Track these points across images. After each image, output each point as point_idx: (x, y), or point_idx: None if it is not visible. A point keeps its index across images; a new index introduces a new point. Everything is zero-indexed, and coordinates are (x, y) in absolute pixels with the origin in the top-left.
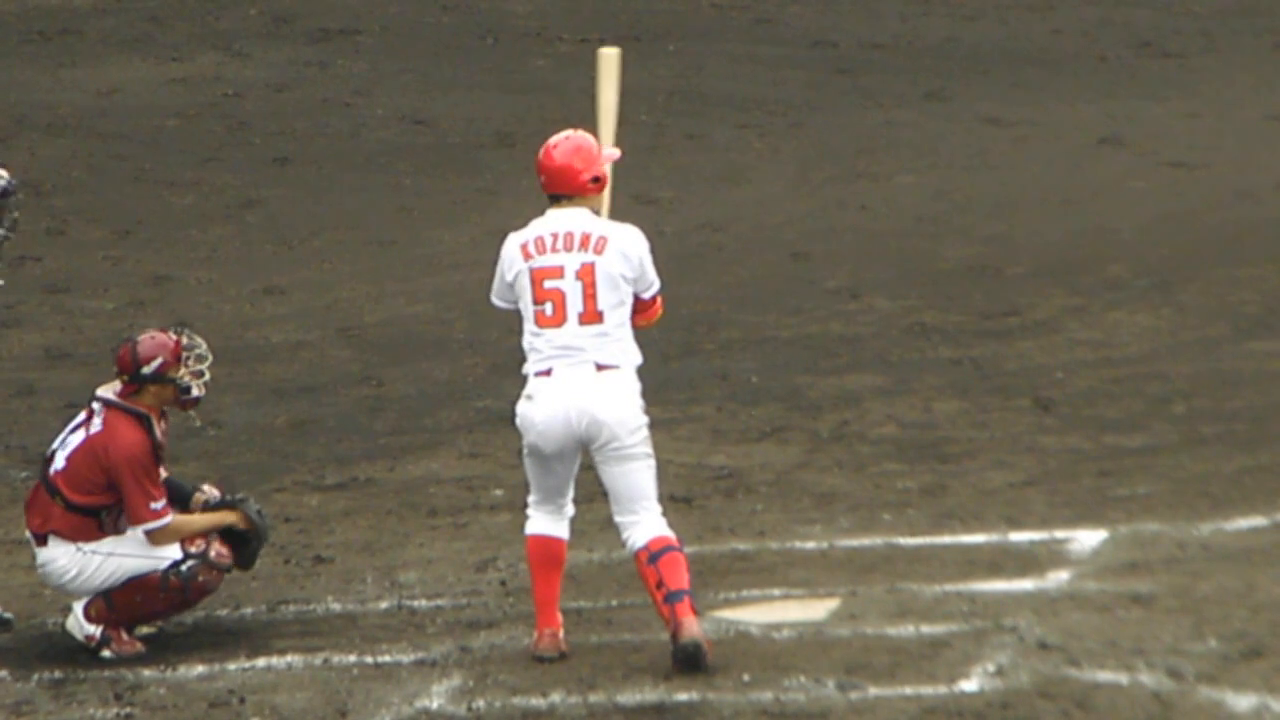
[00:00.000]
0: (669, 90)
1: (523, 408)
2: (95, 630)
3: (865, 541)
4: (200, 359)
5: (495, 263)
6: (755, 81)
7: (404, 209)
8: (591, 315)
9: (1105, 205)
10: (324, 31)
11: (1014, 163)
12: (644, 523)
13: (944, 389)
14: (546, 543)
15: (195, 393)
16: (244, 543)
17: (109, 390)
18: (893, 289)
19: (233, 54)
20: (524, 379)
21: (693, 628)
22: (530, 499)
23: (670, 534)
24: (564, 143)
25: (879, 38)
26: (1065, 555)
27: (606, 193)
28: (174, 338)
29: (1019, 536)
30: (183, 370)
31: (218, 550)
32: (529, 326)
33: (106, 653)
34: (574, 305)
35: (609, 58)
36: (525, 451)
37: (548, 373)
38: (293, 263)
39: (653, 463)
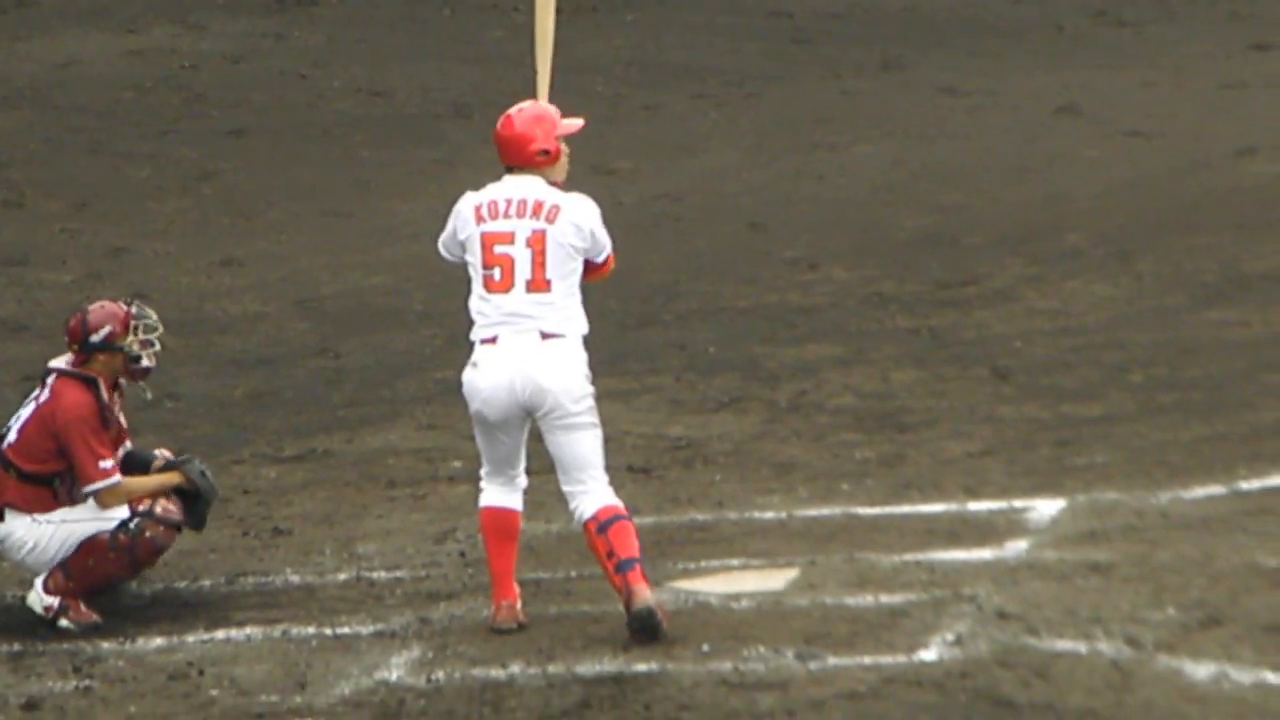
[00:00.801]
0: (626, 60)
1: (468, 375)
2: (53, 601)
3: (824, 511)
4: (150, 329)
5: (449, 215)
6: (712, 51)
7: (361, 180)
8: (540, 283)
9: (1062, 174)
10: (280, 3)
11: (971, 132)
12: (592, 492)
13: (902, 359)
14: (500, 514)
15: (145, 363)
16: (193, 502)
17: (60, 361)
18: (850, 259)
19: (189, 26)
20: (472, 346)
21: (645, 594)
22: (482, 471)
23: (618, 503)
24: (522, 112)
25: (835, 7)
26: (1024, 524)
27: (563, 163)
28: (124, 308)
29: (977, 506)
30: (130, 338)
31: (164, 506)
32: (477, 290)
33: (64, 622)
34: (522, 272)
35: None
36: (473, 420)
37: (493, 340)
38: (250, 235)
39: (599, 432)
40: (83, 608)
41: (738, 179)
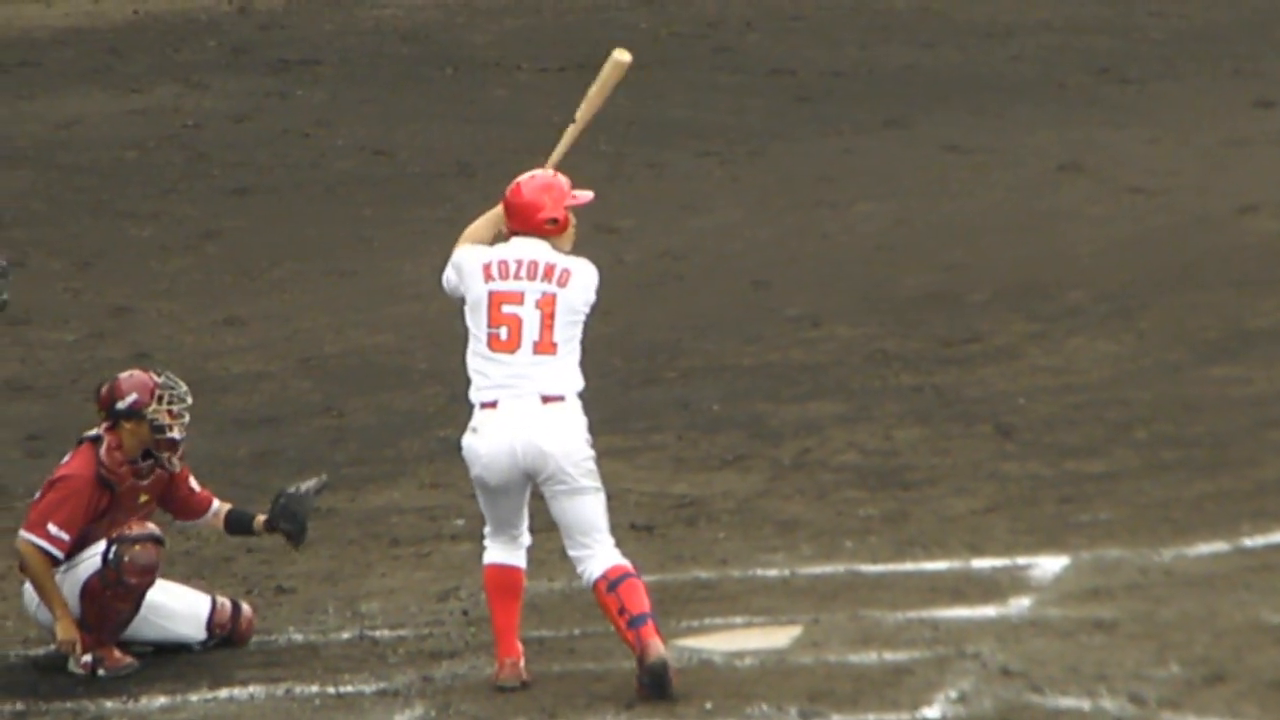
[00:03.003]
0: (629, 119)
1: (468, 440)
2: (87, 657)
3: (827, 569)
4: (178, 399)
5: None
6: (715, 109)
7: (364, 239)
8: (547, 345)
9: (1065, 231)
10: (283, 62)
11: (974, 190)
12: (598, 555)
13: (905, 416)
14: (503, 571)
15: (172, 434)
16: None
17: (95, 430)
18: (853, 316)
19: (192, 85)
20: (470, 407)
21: (659, 649)
22: (486, 530)
23: (626, 562)
24: (533, 180)
25: (838, 65)
26: (1027, 581)
27: (570, 232)
28: (153, 378)
29: (981, 563)
30: (155, 407)
31: (135, 528)
32: (478, 348)
33: (102, 672)
34: (530, 334)
35: (619, 65)
36: (474, 483)
37: (493, 404)
38: (253, 293)
39: (602, 495)
40: (116, 654)
41: (741, 237)
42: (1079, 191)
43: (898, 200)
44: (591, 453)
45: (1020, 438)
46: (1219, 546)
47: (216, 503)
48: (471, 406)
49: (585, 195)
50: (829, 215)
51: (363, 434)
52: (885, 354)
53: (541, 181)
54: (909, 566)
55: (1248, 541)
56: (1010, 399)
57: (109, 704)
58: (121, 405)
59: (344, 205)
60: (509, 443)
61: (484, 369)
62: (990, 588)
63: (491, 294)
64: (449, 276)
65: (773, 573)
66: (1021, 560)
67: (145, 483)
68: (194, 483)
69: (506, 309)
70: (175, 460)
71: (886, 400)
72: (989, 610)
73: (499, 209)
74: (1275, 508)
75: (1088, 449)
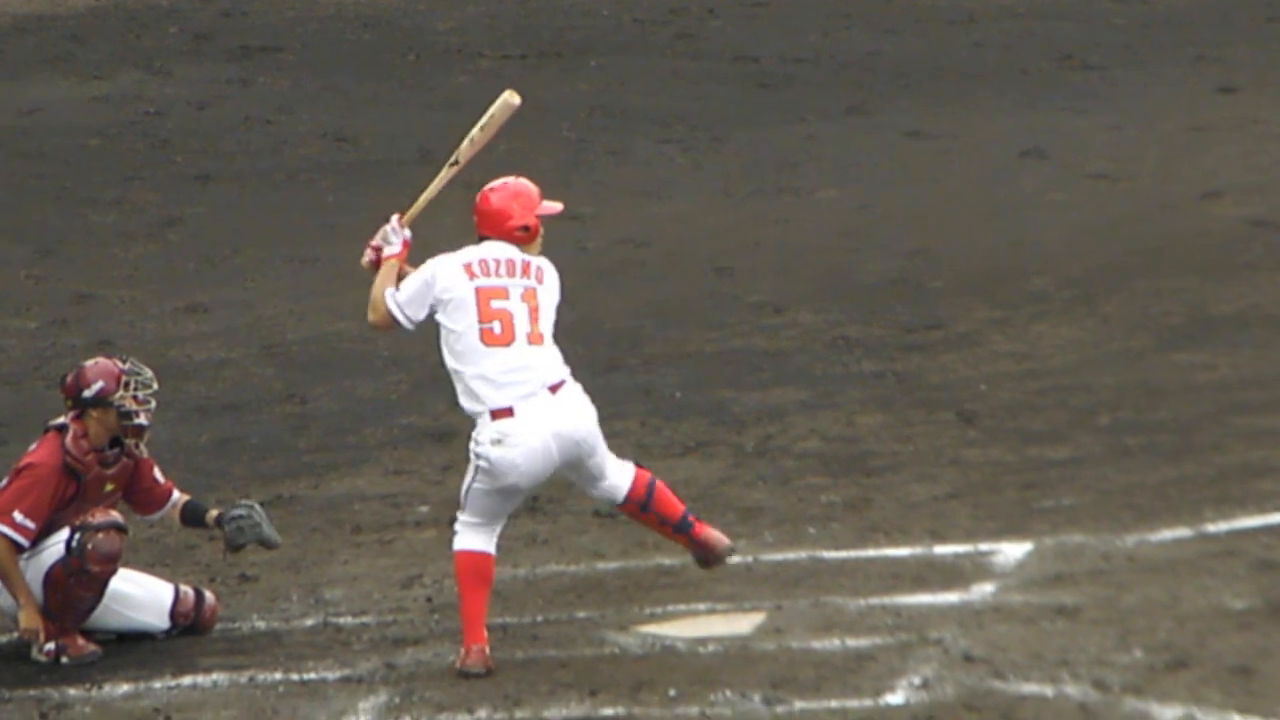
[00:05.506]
0: (590, 105)
1: (497, 453)
2: (50, 645)
3: (790, 555)
4: (143, 385)
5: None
6: (677, 96)
7: (326, 226)
8: (536, 336)
9: (1028, 218)
10: (245, 49)
11: (936, 176)
12: (614, 480)
13: (867, 402)
14: (478, 559)
15: (139, 420)
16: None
17: (61, 418)
18: (815, 303)
19: (154, 72)
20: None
21: (719, 539)
22: (465, 517)
23: (634, 472)
24: (506, 187)
25: (800, 52)
26: (990, 567)
27: (538, 241)
28: (119, 365)
29: (943, 549)
30: (122, 393)
31: (98, 516)
32: (468, 345)
33: (65, 659)
34: (521, 326)
35: (508, 106)
36: (489, 488)
37: (508, 411)
38: (215, 280)
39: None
40: (79, 641)
41: (703, 224)
42: (1042, 178)
43: (860, 187)
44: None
45: (983, 424)
46: (1182, 532)
47: (176, 493)
48: (475, 414)
49: (555, 206)
50: (791, 202)
51: (325, 421)
52: (847, 340)
53: (511, 189)
54: (871, 553)
55: (1210, 527)
56: (973, 385)
57: (72, 692)
58: (88, 393)
59: (306, 192)
60: (543, 445)
61: (482, 368)
62: (953, 574)
63: (478, 290)
64: (407, 295)
65: (735, 559)
66: (984, 546)
67: (111, 471)
68: (158, 473)
69: (496, 304)
70: (142, 446)
71: (849, 386)
72: (951, 596)
73: (386, 269)
74: (1238, 493)
75: (1050, 435)
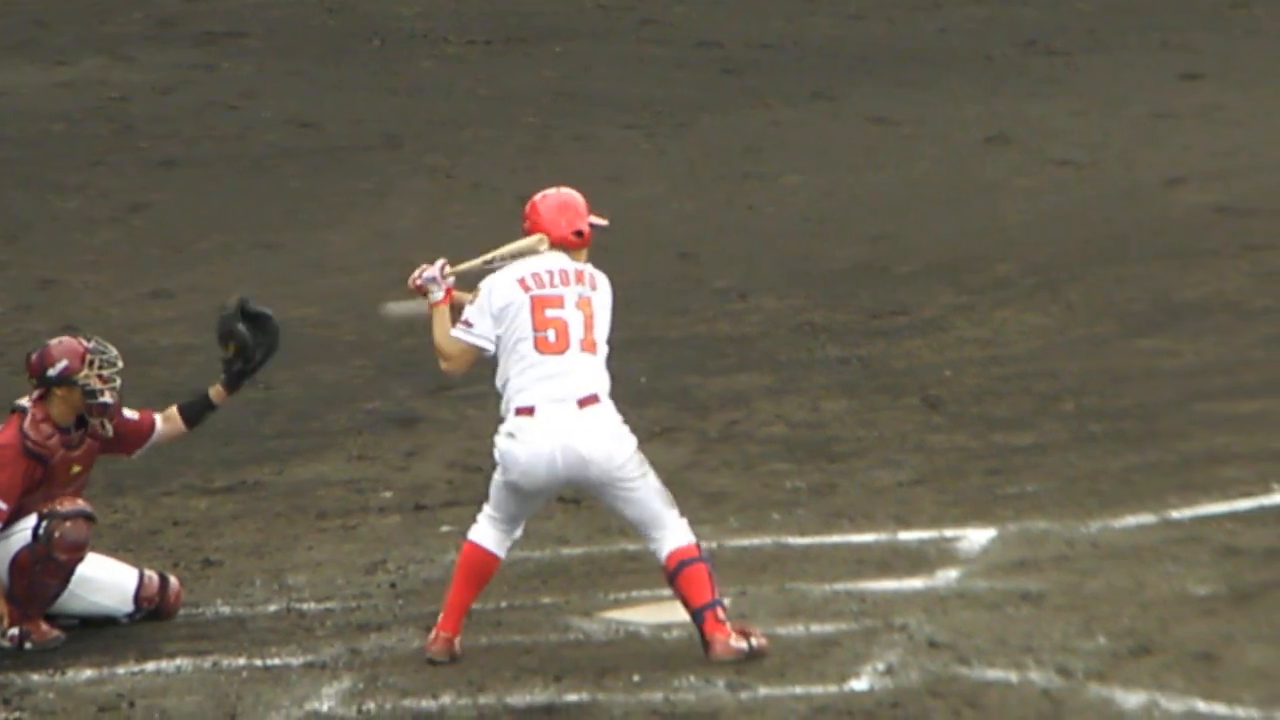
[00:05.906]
0: (555, 91)
1: (505, 445)
2: (14, 630)
3: (755, 541)
4: (108, 364)
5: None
6: (642, 82)
7: (291, 211)
8: (590, 344)
9: (992, 204)
10: (209, 34)
11: (901, 162)
12: (665, 541)
13: (832, 388)
14: (485, 556)
15: (103, 399)
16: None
17: (26, 399)
18: (780, 289)
19: (118, 57)
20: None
21: (720, 645)
22: (488, 510)
23: (689, 542)
24: (555, 194)
25: (765, 38)
26: (954, 554)
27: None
28: (83, 344)
29: (908, 535)
30: (86, 372)
31: (66, 504)
32: (522, 355)
33: (29, 645)
34: (576, 333)
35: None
36: (502, 483)
37: (529, 410)
38: (180, 266)
39: (653, 480)
40: (43, 627)
41: (668, 209)
42: (1006, 164)
43: (825, 172)
44: (631, 448)
45: (947, 410)
46: (1146, 519)
47: (159, 416)
48: (504, 413)
49: (601, 221)
50: (756, 187)
51: (289, 406)
52: (812, 326)
53: (564, 196)
54: (836, 539)
55: (1174, 514)
56: (937, 371)
57: (36, 677)
58: (52, 372)
59: (271, 177)
60: (549, 450)
61: (524, 374)
62: (917, 560)
63: (534, 299)
64: (473, 319)
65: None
66: (949, 532)
67: (77, 453)
68: (128, 411)
69: (550, 313)
70: (108, 424)
71: (813, 372)
72: (916, 582)
73: (438, 316)
74: (1202, 480)
75: (1015, 421)
